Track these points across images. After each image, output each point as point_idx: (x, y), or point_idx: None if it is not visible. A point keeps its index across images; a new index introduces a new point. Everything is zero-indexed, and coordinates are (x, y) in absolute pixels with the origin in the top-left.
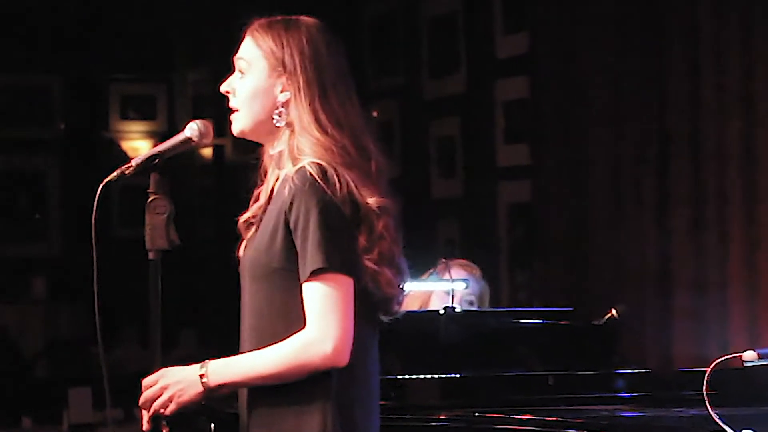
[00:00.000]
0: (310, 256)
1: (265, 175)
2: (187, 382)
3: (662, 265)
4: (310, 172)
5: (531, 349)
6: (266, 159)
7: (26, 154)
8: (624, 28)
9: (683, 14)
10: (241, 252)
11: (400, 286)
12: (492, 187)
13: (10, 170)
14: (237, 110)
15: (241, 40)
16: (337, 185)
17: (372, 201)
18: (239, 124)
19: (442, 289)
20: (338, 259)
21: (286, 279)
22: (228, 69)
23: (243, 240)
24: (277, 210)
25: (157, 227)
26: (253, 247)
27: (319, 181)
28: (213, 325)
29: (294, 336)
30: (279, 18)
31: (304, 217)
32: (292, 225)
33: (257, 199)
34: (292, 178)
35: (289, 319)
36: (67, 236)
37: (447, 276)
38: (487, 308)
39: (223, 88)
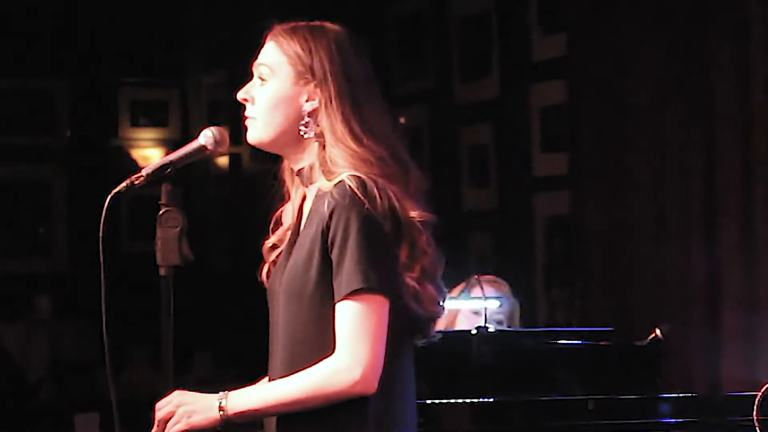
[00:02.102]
0: (347, 275)
1: (288, 193)
2: (201, 405)
3: (709, 282)
4: (349, 186)
5: (569, 371)
6: (286, 176)
7: (29, 163)
8: (668, 28)
9: (731, 13)
10: (263, 275)
11: (441, 305)
12: (527, 199)
13: (13, 180)
14: (254, 117)
15: (261, 46)
16: (378, 199)
17: (415, 214)
18: (257, 133)
19: (471, 308)
20: (376, 278)
21: (324, 301)
22: (245, 71)
23: (265, 263)
24: (315, 228)
25: (169, 241)
26: (288, 270)
27: (360, 195)
28: (229, 347)
29: (322, 362)
30: (303, 23)
31: (342, 233)
32: (330, 241)
33: (280, 221)
34: (331, 192)
35: (324, 343)
36: (74, 251)
37: (479, 293)
38: (522, 328)
39: (239, 96)
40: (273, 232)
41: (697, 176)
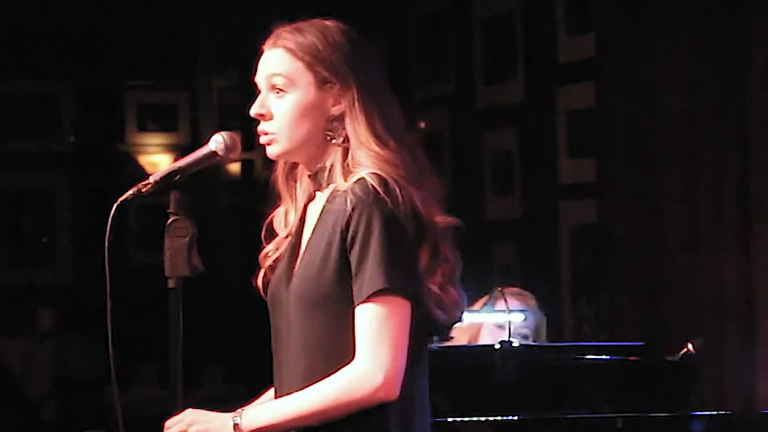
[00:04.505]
0: (369, 276)
1: (281, 197)
2: (215, 424)
3: (744, 294)
4: (371, 184)
5: (597, 388)
6: (280, 181)
7: (32, 170)
8: (701, 28)
9: (766, 11)
10: (260, 285)
11: (462, 310)
12: (553, 207)
13: (15, 188)
14: (274, 134)
15: (260, 54)
16: (400, 198)
17: (439, 219)
18: (280, 147)
19: (494, 322)
20: (400, 280)
21: (340, 304)
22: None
23: (261, 269)
24: (330, 227)
25: (177, 252)
26: (300, 274)
27: (382, 193)
28: (241, 363)
29: (342, 370)
30: (305, 24)
31: (364, 231)
32: (349, 240)
33: (273, 229)
34: (352, 189)
35: (343, 350)
36: (78, 262)
37: (504, 306)
38: (547, 342)
39: (253, 112)
40: (267, 241)
41: (731, 183)
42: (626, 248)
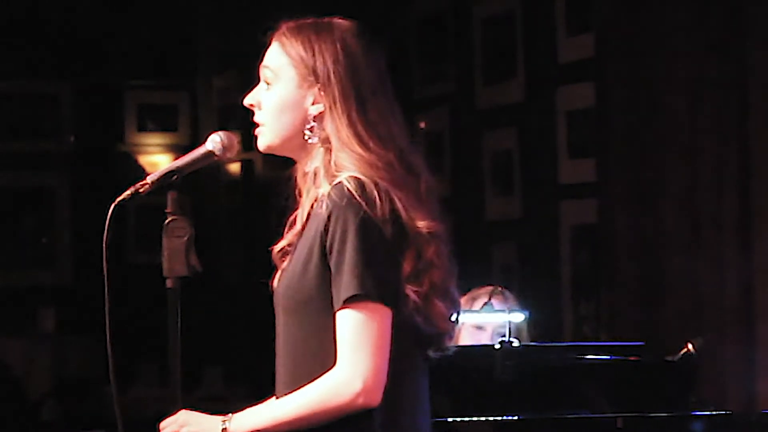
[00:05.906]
0: (345, 282)
1: (300, 196)
2: (205, 427)
3: (744, 294)
4: (347, 188)
5: (597, 387)
6: (299, 178)
7: (32, 170)
8: (701, 28)
9: (767, 12)
10: (275, 284)
11: (452, 320)
12: (553, 207)
13: (14, 188)
14: (261, 125)
15: (267, 47)
16: (378, 202)
17: (422, 224)
18: (265, 139)
19: (472, 323)
20: (375, 285)
21: (322, 310)
22: (258, 74)
23: (278, 270)
24: (313, 232)
25: (175, 252)
26: (286, 276)
27: (357, 196)
28: (240, 362)
29: (323, 376)
30: (309, 21)
31: (340, 237)
32: (327, 247)
33: (293, 225)
34: (329, 194)
35: (324, 356)
36: (78, 262)
37: (503, 306)
38: (547, 342)
39: (246, 101)
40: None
41: (731, 183)
42: (626, 248)
